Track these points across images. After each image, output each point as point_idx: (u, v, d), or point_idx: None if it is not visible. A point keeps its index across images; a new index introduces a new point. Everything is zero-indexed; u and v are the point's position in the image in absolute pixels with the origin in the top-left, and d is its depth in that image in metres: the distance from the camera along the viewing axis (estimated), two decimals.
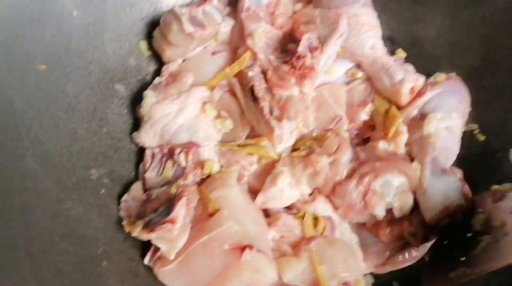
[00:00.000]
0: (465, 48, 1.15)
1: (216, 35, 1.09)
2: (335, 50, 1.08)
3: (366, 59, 1.10)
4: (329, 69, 1.12)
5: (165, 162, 1.00)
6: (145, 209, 0.94)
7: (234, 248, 0.88)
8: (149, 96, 1.02)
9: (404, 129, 1.05)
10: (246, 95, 1.03)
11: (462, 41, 1.15)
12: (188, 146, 0.99)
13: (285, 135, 0.98)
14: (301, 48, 1.00)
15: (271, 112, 1.00)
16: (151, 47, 1.11)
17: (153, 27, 1.10)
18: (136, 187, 1.00)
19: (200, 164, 0.99)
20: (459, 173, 1.05)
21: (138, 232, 0.90)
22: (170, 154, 1.00)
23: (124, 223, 0.95)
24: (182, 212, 0.89)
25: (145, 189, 1.00)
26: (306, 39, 1.02)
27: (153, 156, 1.01)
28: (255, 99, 1.00)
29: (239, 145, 1.05)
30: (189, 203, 0.91)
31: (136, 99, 1.06)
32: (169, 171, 0.99)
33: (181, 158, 0.98)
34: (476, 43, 1.13)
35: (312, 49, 1.01)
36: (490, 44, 1.11)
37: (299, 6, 1.15)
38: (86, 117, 0.98)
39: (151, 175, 1.00)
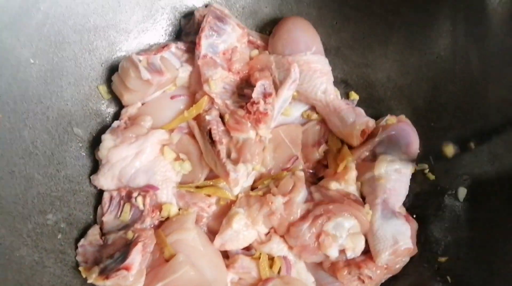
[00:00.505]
0: (413, 91, 1.22)
1: (175, 80, 1.12)
2: (289, 95, 1.15)
3: (320, 102, 1.17)
4: (286, 111, 1.18)
5: (123, 205, 1.01)
6: (102, 255, 0.95)
7: None
8: (107, 139, 1.03)
9: (352, 166, 1.10)
10: (205, 138, 1.06)
11: (410, 85, 1.23)
12: (146, 189, 1.01)
13: (241, 178, 1.02)
14: (255, 94, 1.06)
15: (228, 155, 1.04)
16: (110, 90, 1.13)
17: (113, 71, 1.12)
18: (93, 232, 1.00)
19: (158, 207, 1.01)
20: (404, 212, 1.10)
21: (94, 279, 0.90)
22: (128, 197, 1.01)
23: (81, 268, 0.95)
24: (137, 258, 0.90)
25: (103, 233, 1.01)
26: (260, 86, 1.07)
27: (111, 199, 1.02)
28: (212, 142, 1.04)
29: (197, 187, 1.07)
30: (145, 248, 0.92)
31: (96, 141, 1.07)
32: (127, 214, 1.01)
33: (139, 202, 1.00)
34: (422, 87, 1.21)
35: (266, 95, 1.06)
36: (435, 88, 1.19)
37: (255, 52, 1.21)
38: (43, 162, 0.99)
39: (109, 218, 1.01)
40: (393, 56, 1.23)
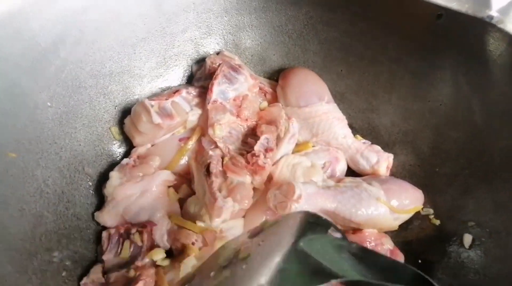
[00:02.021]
0: (417, 137, 1.24)
1: (185, 123, 1.16)
2: (289, 149, 1.20)
3: (341, 146, 1.23)
4: None
5: (122, 242, 1.03)
6: None
7: None
8: (114, 177, 1.07)
9: None
10: (201, 170, 1.10)
11: (413, 130, 1.24)
12: (143, 225, 1.03)
13: (225, 211, 1.02)
14: (257, 147, 1.10)
15: (219, 191, 1.06)
16: (122, 131, 1.18)
17: (125, 114, 1.17)
18: (96, 270, 1.02)
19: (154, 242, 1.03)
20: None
21: None
22: (127, 234, 1.04)
23: None
24: None
25: (104, 272, 1.02)
26: (264, 139, 1.12)
27: (109, 237, 1.05)
28: (208, 174, 1.07)
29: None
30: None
31: (104, 178, 1.11)
32: (127, 251, 1.02)
33: (136, 238, 1.02)
34: (426, 133, 1.22)
35: (267, 150, 1.10)
36: (438, 134, 1.20)
37: (264, 104, 1.25)
38: (53, 200, 1.02)
39: (109, 256, 1.03)
40: (397, 102, 1.26)
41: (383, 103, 1.28)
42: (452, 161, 1.17)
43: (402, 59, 1.22)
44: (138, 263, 1.00)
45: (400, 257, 1.08)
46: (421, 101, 1.23)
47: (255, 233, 0.80)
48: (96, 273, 1.01)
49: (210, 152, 1.11)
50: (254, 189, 1.10)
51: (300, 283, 0.63)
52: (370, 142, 1.26)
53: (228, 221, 1.07)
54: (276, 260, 0.67)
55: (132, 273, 0.97)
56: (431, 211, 1.17)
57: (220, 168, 1.09)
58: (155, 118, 1.09)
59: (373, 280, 0.63)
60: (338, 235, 0.78)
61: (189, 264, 0.98)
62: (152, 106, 1.10)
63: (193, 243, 1.03)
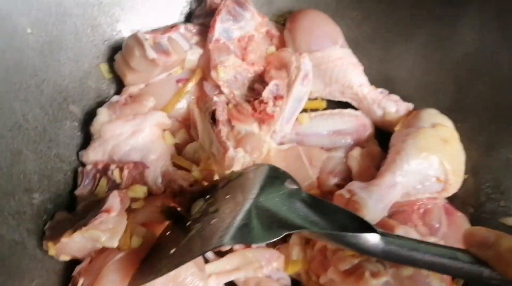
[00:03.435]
0: (438, 90, 1.13)
1: (183, 63, 1.05)
2: (303, 93, 1.06)
3: (356, 96, 1.12)
4: (301, 118, 1.09)
5: (99, 179, 0.94)
6: (73, 223, 0.85)
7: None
8: (102, 114, 0.97)
9: None
10: (205, 118, 1.00)
11: (434, 83, 1.13)
12: (134, 165, 0.94)
13: (237, 162, 0.93)
14: (266, 93, 0.98)
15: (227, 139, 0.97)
16: (112, 70, 1.07)
17: (116, 50, 1.06)
18: (60, 215, 0.92)
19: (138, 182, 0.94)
20: None
21: (67, 236, 0.80)
22: (104, 171, 0.94)
23: (48, 244, 0.84)
24: (116, 201, 0.82)
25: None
26: (273, 85, 1.00)
27: (83, 172, 0.96)
28: (214, 122, 0.97)
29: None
30: (123, 199, 0.84)
31: (91, 119, 0.99)
32: (103, 188, 0.93)
33: (116, 175, 0.93)
34: (448, 85, 1.11)
35: (276, 97, 0.99)
36: (461, 87, 1.09)
37: (271, 49, 1.13)
38: (34, 138, 0.92)
39: (82, 192, 0.94)
40: (417, 51, 1.14)
41: (401, 53, 1.16)
42: (476, 116, 1.07)
43: (424, 2, 1.10)
44: None
45: (453, 212, 1.00)
46: (444, 51, 1.11)
47: (224, 183, 0.85)
48: (61, 215, 0.91)
49: (215, 98, 1.00)
50: None
51: (259, 237, 0.65)
52: (388, 91, 1.14)
53: None
54: (238, 217, 0.68)
55: (102, 194, 0.89)
56: None
57: (226, 117, 0.99)
58: (150, 53, 0.97)
59: (327, 231, 0.67)
60: (294, 186, 0.79)
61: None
62: (146, 39, 0.99)
63: (191, 185, 0.94)
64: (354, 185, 0.94)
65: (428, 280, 0.87)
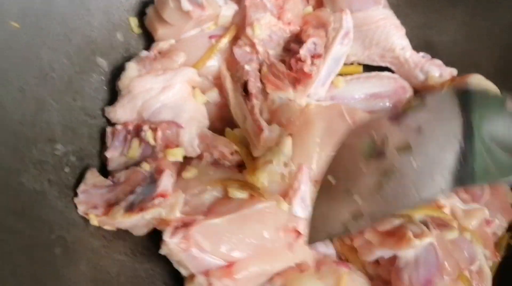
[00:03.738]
0: (482, 57, 1.07)
1: (216, 19, 1.00)
2: (342, 53, 1.00)
3: (397, 60, 1.06)
4: (337, 81, 1.03)
5: (131, 140, 0.89)
6: (117, 195, 0.82)
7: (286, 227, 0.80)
8: (131, 68, 0.92)
9: None
10: (237, 90, 0.94)
11: (479, 50, 1.07)
12: (168, 125, 0.87)
13: (272, 140, 0.87)
14: (303, 51, 0.92)
15: (260, 113, 0.91)
16: (142, 25, 1.02)
17: (146, 6, 1.01)
18: (92, 174, 0.87)
19: (172, 144, 0.88)
20: None
21: (121, 218, 0.77)
22: (136, 132, 0.88)
23: (90, 216, 0.81)
24: (170, 183, 0.79)
25: (109, 172, 0.89)
26: (311, 43, 0.94)
27: (114, 133, 0.90)
28: (247, 94, 0.91)
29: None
30: (173, 176, 0.81)
31: (118, 74, 0.94)
32: (135, 150, 0.88)
33: (149, 136, 0.87)
34: (493, 54, 1.05)
35: (314, 56, 0.93)
36: (508, 55, 1.03)
37: (309, 9, 1.08)
38: (59, 87, 0.88)
39: (113, 154, 0.89)
40: (462, 17, 1.08)
41: (444, 19, 1.10)
42: None
43: None
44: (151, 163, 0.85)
45: None
46: (491, 17, 1.05)
47: (395, 117, 0.64)
48: (94, 177, 0.86)
49: (246, 67, 0.94)
50: None
51: (485, 179, 0.55)
52: (430, 56, 1.07)
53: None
54: (455, 157, 0.56)
55: (147, 166, 0.83)
56: None
57: (258, 84, 0.93)
58: (185, 4, 0.91)
59: None
60: None
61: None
62: None
63: (232, 153, 0.89)
64: None
65: (472, 245, 0.82)
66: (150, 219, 0.78)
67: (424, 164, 0.58)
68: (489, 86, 0.98)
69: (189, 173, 0.85)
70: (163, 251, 0.76)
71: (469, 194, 0.92)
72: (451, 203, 0.86)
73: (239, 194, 0.81)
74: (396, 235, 0.77)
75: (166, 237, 0.74)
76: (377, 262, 0.84)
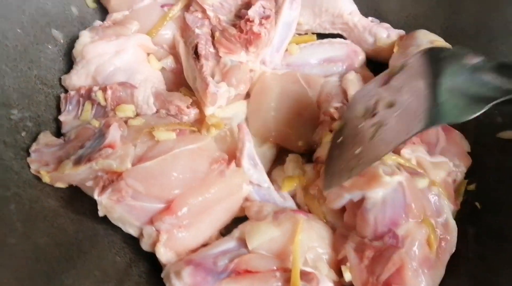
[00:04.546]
0: (429, 19, 1.11)
1: None
2: (292, 18, 1.03)
3: (346, 25, 1.11)
4: (291, 48, 1.07)
5: (83, 103, 0.90)
6: (67, 151, 0.82)
7: (218, 159, 0.84)
8: (84, 35, 0.94)
9: None
10: (189, 53, 0.96)
11: (425, 13, 1.11)
12: (121, 86, 0.89)
13: (220, 97, 0.90)
14: (251, 12, 0.95)
15: (212, 76, 0.93)
16: (98, 1, 1.05)
17: None
18: (45, 135, 0.88)
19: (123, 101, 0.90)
20: None
21: (69, 170, 0.77)
22: (88, 95, 0.90)
23: (42, 172, 0.82)
24: (117, 135, 0.79)
25: (61, 134, 0.90)
26: (259, 6, 0.97)
27: (67, 98, 0.92)
28: (197, 57, 0.93)
29: None
30: (121, 129, 0.81)
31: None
32: (88, 113, 0.90)
33: (99, 96, 0.89)
34: (440, 13, 1.09)
35: (263, 18, 0.96)
36: (453, 12, 1.07)
37: None
38: (13, 56, 0.89)
39: (67, 118, 0.90)
40: None
41: None
42: (470, 40, 1.04)
43: None
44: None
45: (449, 129, 0.97)
46: None
47: (383, 81, 0.84)
48: (46, 137, 0.87)
49: (197, 31, 0.96)
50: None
51: (458, 115, 0.66)
52: (378, 21, 1.12)
53: (228, 108, 0.96)
54: (429, 100, 0.70)
55: (95, 122, 0.84)
56: None
57: (211, 49, 0.96)
58: None
59: None
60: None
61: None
62: None
63: (188, 107, 0.91)
64: None
65: (439, 199, 0.83)
66: (101, 173, 0.78)
67: (404, 113, 0.73)
68: (435, 38, 1.02)
69: (135, 121, 0.86)
70: (100, 212, 0.77)
71: (425, 144, 0.94)
72: (418, 156, 0.87)
73: (165, 135, 0.82)
74: (367, 175, 0.78)
75: (96, 195, 0.75)
76: (341, 210, 0.85)
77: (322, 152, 0.91)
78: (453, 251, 0.81)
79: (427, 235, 0.76)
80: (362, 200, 0.79)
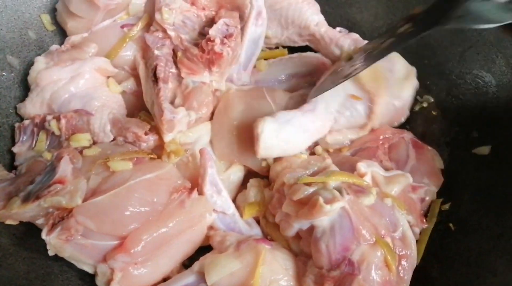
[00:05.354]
0: None
1: (127, 8, 0.99)
2: (258, 34, 1.00)
3: (313, 37, 1.07)
4: (261, 65, 1.03)
5: (38, 133, 0.87)
6: (18, 186, 0.79)
7: (179, 188, 0.80)
8: (39, 61, 0.91)
9: None
10: (148, 75, 0.92)
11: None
12: (76, 114, 0.85)
13: (178, 123, 0.85)
14: (212, 31, 0.91)
15: (172, 100, 0.90)
16: (55, 22, 1.01)
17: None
18: None
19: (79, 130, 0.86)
20: None
21: (17, 208, 0.74)
22: (42, 124, 0.87)
23: None
24: (68, 169, 0.75)
25: (14, 167, 0.86)
26: (222, 24, 0.93)
27: (21, 128, 0.88)
28: (155, 79, 0.89)
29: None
30: (73, 161, 0.77)
31: None
32: (43, 143, 0.86)
33: (53, 125, 0.85)
34: None
35: (227, 36, 0.91)
36: None
37: None
38: None
39: (21, 149, 0.87)
40: None
41: None
42: (442, 51, 1.00)
43: None
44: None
45: (421, 146, 0.93)
46: None
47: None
48: None
49: (156, 52, 0.92)
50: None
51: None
52: (347, 31, 1.07)
53: (190, 132, 0.91)
54: None
55: (48, 155, 0.81)
56: (431, 99, 1.01)
57: (172, 70, 0.92)
58: None
59: None
60: None
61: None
62: None
63: (146, 134, 0.86)
64: None
65: (393, 212, 0.79)
66: (52, 210, 0.74)
67: None
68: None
69: (91, 150, 0.82)
70: (50, 252, 0.73)
71: (393, 162, 0.91)
72: (373, 171, 0.84)
73: (121, 165, 0.78)
74: (309, 204, 0.74)
75: (44, 235, 0.72)
76: (298, 236, 0.81)
77: (273, 172, 0.88)
78: (415, 265, 0.78)
79: (383, 256, 0.72)
80: (312, 227, 0.76)
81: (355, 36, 1.05)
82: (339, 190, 0.76)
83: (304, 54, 1.06)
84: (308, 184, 0.77)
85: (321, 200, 0.72)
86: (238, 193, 0.92)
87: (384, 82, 0.93)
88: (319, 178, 0.77)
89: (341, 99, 0.92)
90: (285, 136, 0.85)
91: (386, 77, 0.94)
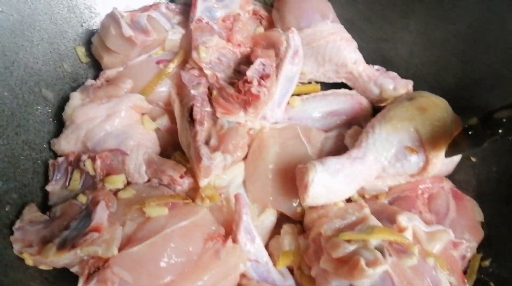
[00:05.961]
0: (441, 67, 1.05)
1: (163, 43, 0.99)
2: (293, 73, 0.98)
3: (350, 75, 1.05)
4: (293, 101, 1.01)
5: (72, 172, 0.86)
6: (52, 230, 0.78)
7: (213, 235, 0.78)
8: (74, 97, 0.90)
9: None
10: (184, 115, 0.91)
11: (436, 60, 1.06)
12: (111, 153, 0.84)
13: (215, 168, 0.84)
14: (250, 72, 0.89)
15: (207, 141, 0.88)
16: (90, 54, 1.01)
17: (94, 34, 1.00)
18: (30, 210, 0.83)
19: (114, 171, 0.85)
20: None
21: (53, 256, 0.73)
22: (76, 163, 0.86)
23: (24, 255, 0.77)
24: (105, 215, 0.74)
25: (48, 207, 0.85)
26: (259, 64, 0.91)
27: (55, 166, 0.87)
28: (192, 121, 0.88)
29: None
30: (109, 206, 0.77)
31: None
32: (77, 182, 0.85)
33: (88, 165, 0.84)
34: (452, 62, 1.03)
35: (263, 77, 0.90)
36: (467, 61, 1.01)
37: (260, 29, 1.07)
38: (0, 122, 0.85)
39: (55, 188, 0.86)
40: (416, 28, 1.07)
41: (399, 31, 1.09)
42: (482, 92, 0.98)
43: None
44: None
45: (461, 197, 0.91)
46: (444, 25, 1.03)
47: None
48: (31, 212, 0.82)
49: (193, 91, 0.91)
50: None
51: None
52: (385, 69, 1.06)
53: (224, 174, 0.90)
54: None
55: (83, 198, 0.79)
56: None
57: (207, 108, 0.91)
58: (126, 30, 0.90)
59: None
60: None
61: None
62: (122, 17, 0.92)
63: (181, 177, 0.85)
64: None
65: (435, 273, 0.76)
66: (87, 257, 0.73)
67: None
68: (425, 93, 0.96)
69: (126, 193, 0.81)
70: None
71: (433, 214, 0.88)
72: (414, 226, 0.81)
73: (156, 211, 0.77)
74: (349, 264, 0.71)
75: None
76: None
77: (309, 219, 0.85)
78: None
79: None
80: None
81: (393, 74, 1.04)
82: (381, 249, 0.73)
83: (338, 91, 1.05)
84: (348, 240, 0.75)
85: (362, 262, 0.69)
86: (270, 238, 0.90)
87: (444, 142, 0.86)
88: (359, 235, 0.74)
89: (394, 150, 0.86)
90: (334, 186, 0.83)
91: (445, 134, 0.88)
